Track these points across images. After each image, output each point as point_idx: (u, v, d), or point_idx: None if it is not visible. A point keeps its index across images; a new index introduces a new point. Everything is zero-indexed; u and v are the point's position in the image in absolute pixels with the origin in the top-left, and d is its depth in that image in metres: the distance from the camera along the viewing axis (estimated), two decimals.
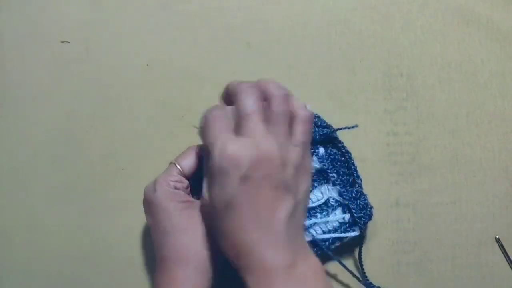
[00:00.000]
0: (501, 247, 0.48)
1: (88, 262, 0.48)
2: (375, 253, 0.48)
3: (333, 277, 0.47)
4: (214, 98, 0.49)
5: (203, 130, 0.37)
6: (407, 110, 0.49)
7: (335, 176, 0.45)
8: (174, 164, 0.41)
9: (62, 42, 0.50)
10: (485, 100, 0.50)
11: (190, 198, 0.40)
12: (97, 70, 0.50)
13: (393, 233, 0.48)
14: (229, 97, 0.40)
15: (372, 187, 0.49)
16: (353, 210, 0.44)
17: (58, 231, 0.49)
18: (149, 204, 0.39)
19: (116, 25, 0.50)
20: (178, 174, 0.40)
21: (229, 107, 0.38)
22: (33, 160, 0.49)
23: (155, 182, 0.40)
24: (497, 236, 0.48)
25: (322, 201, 0.44)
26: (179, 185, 0.40)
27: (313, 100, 0.49)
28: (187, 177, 0.41)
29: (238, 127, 0.36)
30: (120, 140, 0.49)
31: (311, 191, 0.44)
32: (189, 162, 0.41)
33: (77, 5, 0.50)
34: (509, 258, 0.48)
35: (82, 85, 0.50)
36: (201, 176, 0.39)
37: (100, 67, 0.50)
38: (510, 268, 0.48)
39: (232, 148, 0.33)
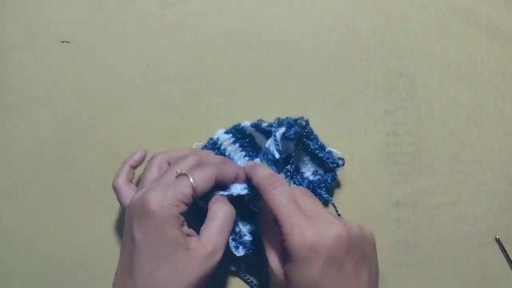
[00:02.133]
0: (501, 247, 0.48)
1: (88, 262, 0.48)
2: None
3: None
4: (214, 98, 0.50)
5: (269, 201, 0.36)
6: (407, 110, 0.49)
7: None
8: (188, 178, 0.36)
9: (62, 42, 0.50)
10: (485, 100, 0.50)
11: (191, 230, 0.37)
12: (97, 70, 0.50)
13: (393, 233, 0.48)
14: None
15: (372, 187, 0.49)
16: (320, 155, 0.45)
17: (58, 231, 0.49)
18: (147, 217, 0.34)
19: (116, 25, 0.50)
20: (190, 194, 0.36)
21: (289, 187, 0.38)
22: (33, 160, 0.49)
23: (161, 191, 0.35)
24: (497, 236, 0.48)
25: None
26: (184, 209, 0.36)
27: (313, 100, 0.49)
28: (193, 198, 0.37)
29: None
30: (120, 140, 0.49)
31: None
32: (205, 185, 0.37)
33: (77, 5, 0.50)
34: (509, 258, 0.48)
35: (82, 85, 0.50)
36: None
37: (100, 67, 0.50)
38: (510, 268, 0.48)
39: (311, 237, 0.33)
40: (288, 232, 0.34)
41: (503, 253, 0.48)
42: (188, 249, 0.35)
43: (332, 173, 0.46)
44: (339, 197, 0.48)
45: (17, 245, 0.49)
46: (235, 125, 0.46)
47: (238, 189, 0.41)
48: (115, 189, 0.42)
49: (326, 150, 0.46)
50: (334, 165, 0.45)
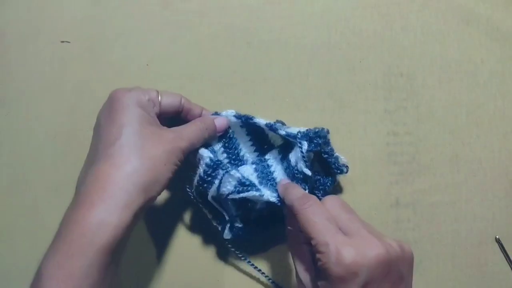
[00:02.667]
0: (501, 247, 0.48)
1: None
2: None
3: None
4: (214, 98, 0.50)
5: (303, 221, 0.36)
6: (407, 110, 0.49)
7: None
8: (157, 92, 0.41)
9: (62, 42, 0.50)
10: (485, 100, 0.50)
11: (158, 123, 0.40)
12: (97, 70, 0.50)
13: (393, 233, 0.48)
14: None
15: (372, 187, 0.49)
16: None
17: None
18: (116, 101, 0.38)
19: (116, 25, 0.50)
20: (155, 95, 0.40)
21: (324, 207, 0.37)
22: (34, 159, 0.49)
23: (130, 88, 0.39)
24: (497, 236, 0.48)
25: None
26: (151, 104, 0.40)
27: (313, 100, 0.49)
28: (161, 113, 0.41)
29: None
30: None
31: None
32: (170, 99, 0.42)
33: (77, 5, 0.50)
34: (509, 258, 0.48)
35: (83, 84, 0.50)
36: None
37: (100, 67, 0.50)
38: (510, 268, 0.48)
39: (349, 257, 0.32)
40: (322, 250, 0.33)
41: (503, 253, 0.48)
42: (159, 128, 0.38)
43: (332, 178, 0.46)
44: (339, 197, 0.48)
45: (17, 245, 0.49)
46: (248, 117, 0.45)
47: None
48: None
49: (334, 155, 0.45)
50: (338, 171, 0.45)
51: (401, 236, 0.48)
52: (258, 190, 0.41)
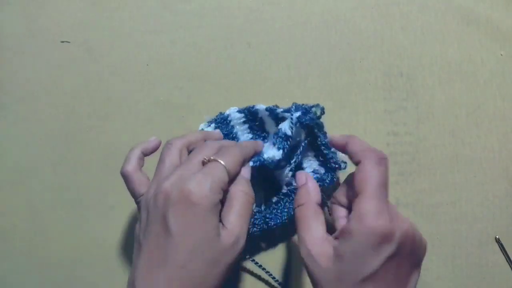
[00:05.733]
0: (501, 247, 0.48)
1: (87, 262, 0.48)
2: None
3: None
4: (214, 98, 0.50)
5: (363, 170, 0.34)
6: (407, 110, 0.49)
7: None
8: (220, 163, 0.35)
9: (62, 42, 0.50)
10: (485, 100, 0.50)
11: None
12: (97, 70, 0.50)
13: None
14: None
15: None
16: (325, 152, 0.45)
17: (57, 231, 0.49)
18: (189, 208, 0.33)
19: (116, 25, 0.50)
20: (227, 181, 0.35)
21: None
22: (33, 160, 0.49)
23: (202, 180, 0.33)
24: (497, 236, 0.48)
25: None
26: (222, 195, 0.35)
27: (313, 100, 0.49)
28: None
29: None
30: (120, 140, 0.49)
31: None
32: (237, 167, 0.37)
33: (77, 5, 0.50)
34: (509, 258, 0.48)
35: (82, 85, 0.50)
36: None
37: (100, 67, 0.50)
38: (510, 268, 0.48)
39: (385, 224, 0.31)
40: (364, 208, 0.32)
41: (503, 253, 0.48)
42: (219, 240, 0.34)
43: (332, 174, 0.46)
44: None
45: (17, 245, 0.49)
46: (249, 107, 0.46)
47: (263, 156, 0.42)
48: (125, 177, 0.39)
49: (332, 150, 0.45)
50: (336, 165, 0.45)
51: None
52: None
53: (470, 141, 0.49)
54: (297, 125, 0.42)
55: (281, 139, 0.42)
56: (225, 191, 0.35)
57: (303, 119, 0.42)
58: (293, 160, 0.44)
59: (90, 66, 0.50)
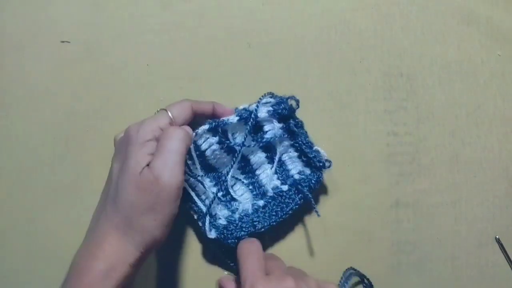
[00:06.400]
0: (501, 247, 0.48)
1: None
2: (375, 253, 0.48)
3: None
4: (214, 98, 0.49)
5: (238, 260, 0.40)
6: (407, 110, 0.49)
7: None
8: (166, 111, 0.40)
9: (62, 42, 0.50)
10: (485, 100, 0.50)
11: None
12: (97, 70, 0.50)
13: (393, 233, 0.48)
14: None
15: (372, 187, 0.49)
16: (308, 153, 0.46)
17: (57, 231, 0.49)
18: (126, 143, 0.38)
19: (116, 25, 0.50)
20: (167, 122, 0.39)
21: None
22: (33, 160, 0.49)
23: (140, 123, 0.38)
24: (497, 236, 0.48)
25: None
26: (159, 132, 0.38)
27: (313, 100, 0.49)
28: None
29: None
30: None
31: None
32: (183, 113, 0.40)
33: (77, 5, 0.50)
34: (509, 258, 0.48)
35: (82, 85, 0.50)
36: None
37: (100, 67, 0.50)
38: (510, 268, 0.48)
39: None
40: (243, 284, 0.37)
41: (503, 253, 0.48)
42: (143, 171, 0.36)
43: (317, 174, 0.46)
44: (339, 197, 0.48)
45: (17, 245, 0.49)
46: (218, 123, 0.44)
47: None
48: (115, 142, 0.43)
49: (314, 149, 0.46)
50: (320, 164, 0.45)
51: (401, 236, 0.48)
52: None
53: (470, 141, 0.49)
54: (270, 112, 0.43)
55: (244, 111, 0.43)
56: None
57: (276, 108, 0.43)
58: (276, 156, 0.45)
59: (90, 66, 0.50)
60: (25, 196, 0.49)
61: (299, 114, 0.47)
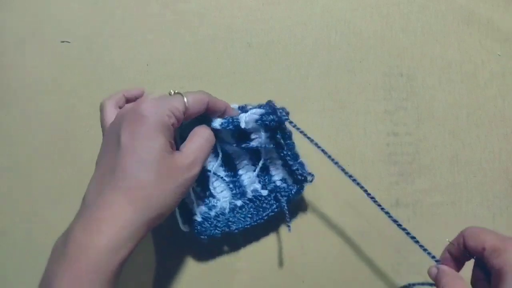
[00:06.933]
0: None
1: None
2: (375, 253, 0.48)
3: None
4: None
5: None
6: (407, 110, 0.49)
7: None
8: (182, 96, 0.37)
9: (62, 42, 0.50)
10: (485, 101, 0.50)
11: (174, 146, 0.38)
12: (97, 70, 0.50)
13: (393, 233, 0.48)
14: None
15: (372, 187, 0.48)
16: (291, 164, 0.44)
17: (57, 230, 0.49)
18: (138, 121, 0.35)
19: (116, 25, 0.50)
20: (182, 110, 0.37)
21: None
22: (33, 160, 0.49)
23: (155, 102, 0.36)
24: None
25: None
26: (175, 122, 0.36)
27: (313, 100, 0.49)
28: (184, 119, 0.38)
29: None
30: None
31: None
32: (197, 105, 0.38)
33: (77, 5, 0.51)
34: None
35: (82, 84, 0.50)
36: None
37: (100, 67, 0.50)
38: None
39: None
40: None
41: None
42: (172, 157, 0.36)
43: (298, 186, 0.45)
44: (339, 197, 0.48)
45: (17, 244, 0.49)
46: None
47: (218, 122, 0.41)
48: (101, 108, 0.41)
49: (298, 161, 0.45)
50: (302, 177, 0.44)
51: (401, 237, 0.48)
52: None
53: (470, 142, 0.49)
54: (258, 122, 0.41)
55: (230, 122, 0.41)
56: (179, 121, 0.37)
57: (265, 118, 0.41)
58: (260, 161, 0.45)
59: (90, 65, 0.50)
60: (25, 196, 0.49)
61: (299, 114, 0.47)
